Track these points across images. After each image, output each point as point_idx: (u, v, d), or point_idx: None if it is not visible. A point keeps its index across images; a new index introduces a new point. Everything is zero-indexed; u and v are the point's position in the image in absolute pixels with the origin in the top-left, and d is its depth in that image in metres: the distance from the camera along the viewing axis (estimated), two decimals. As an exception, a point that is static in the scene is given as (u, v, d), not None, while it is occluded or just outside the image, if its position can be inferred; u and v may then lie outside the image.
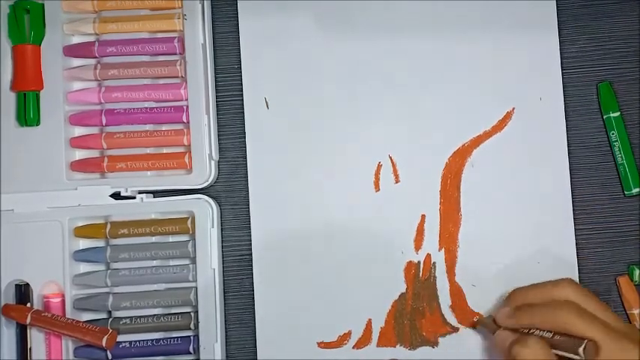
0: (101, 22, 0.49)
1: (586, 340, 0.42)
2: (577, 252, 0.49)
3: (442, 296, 0.50)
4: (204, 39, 0.49)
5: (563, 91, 0.50)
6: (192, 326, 0.48)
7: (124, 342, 0.48)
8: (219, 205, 0.50)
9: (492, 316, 0.48)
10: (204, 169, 0.49)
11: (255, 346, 0.49)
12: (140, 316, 0.48)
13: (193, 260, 0.48)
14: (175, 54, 0.50)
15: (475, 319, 0.49)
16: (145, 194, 0.49)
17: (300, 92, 0.51)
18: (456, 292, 0.49)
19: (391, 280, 0.50)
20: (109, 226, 0.49)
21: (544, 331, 0.44)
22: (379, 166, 0.50)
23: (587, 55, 0.51)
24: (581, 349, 0.42)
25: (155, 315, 0.49)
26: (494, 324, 0.47)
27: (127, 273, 0.48)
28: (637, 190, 0.50)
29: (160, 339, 0.48)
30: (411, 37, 0.51)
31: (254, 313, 0.49)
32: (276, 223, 0.50)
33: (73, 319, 0.47)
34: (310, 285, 0.49)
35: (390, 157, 0.50)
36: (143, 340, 0.48)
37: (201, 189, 0.49)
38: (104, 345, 0.46)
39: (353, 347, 0.49)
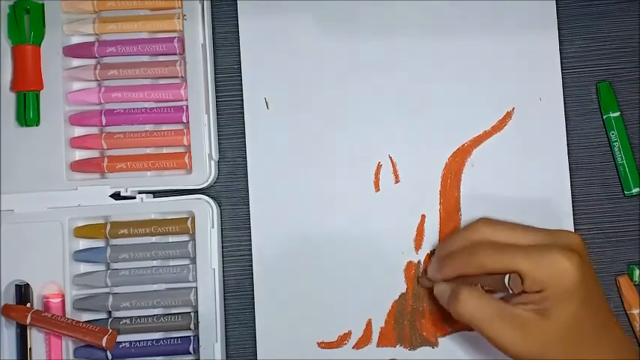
0: (101, 22, 0.49)
1: (508, 274, 0.41)
2: (577, 252, 0.49)
3: (442, 296, 0.50)
4: (204, 39, 0.49)
5: (563, 91, 0.50)
6: (192, 326, 0.48)
7: (124, 342, 0.48)
8: (219, 205, 0.50)
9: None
10: (204, 169, 0.49)
11: (255, 346, 0.49)
12: (140, 316, 0.48)
13: (193, 260, 0.48)
14: (175, 54, 0.50)
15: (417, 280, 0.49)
16: (145, 194, 0.49)
17: (300, 92, 0.51)
18: (456, 292, 0.49)
19: (391, 280, 0.49)
20: (108, 226, 0.49)
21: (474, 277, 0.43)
22: (379, 166, 0.50)
23: (587, 55, 0.51)
24: (506, 283, 0.40)
25: (155, 315, 0.49)
26: (429, 280, 0.47)
27: (127, 273, 0.48)
28: (637, 190, 0.50)
29: (160, 339, 0.48)
30: (411, 37, 0.51)
31: (254, 313, 0.49)
32: (276, 223, 0.50)
33: (73, 320, 0.47)
34: (310, 285, 0.49)
35: (390, 157, 0.50)
36: (143, 340, 0.48)
37: (201, 189, 0.49)
38: (104, 345, 0.46)
39: (353, 347, 0.49)
